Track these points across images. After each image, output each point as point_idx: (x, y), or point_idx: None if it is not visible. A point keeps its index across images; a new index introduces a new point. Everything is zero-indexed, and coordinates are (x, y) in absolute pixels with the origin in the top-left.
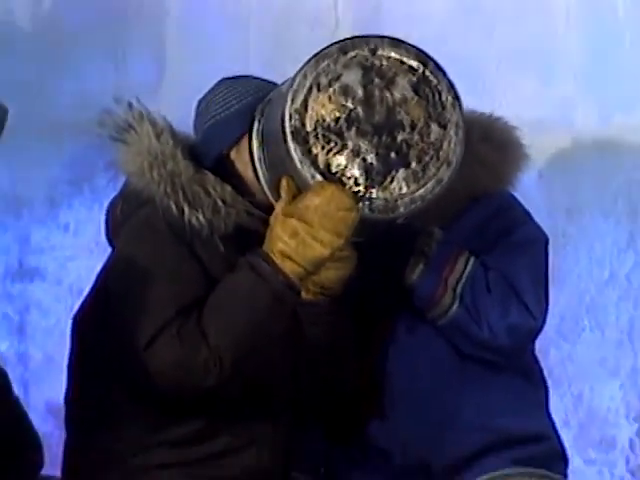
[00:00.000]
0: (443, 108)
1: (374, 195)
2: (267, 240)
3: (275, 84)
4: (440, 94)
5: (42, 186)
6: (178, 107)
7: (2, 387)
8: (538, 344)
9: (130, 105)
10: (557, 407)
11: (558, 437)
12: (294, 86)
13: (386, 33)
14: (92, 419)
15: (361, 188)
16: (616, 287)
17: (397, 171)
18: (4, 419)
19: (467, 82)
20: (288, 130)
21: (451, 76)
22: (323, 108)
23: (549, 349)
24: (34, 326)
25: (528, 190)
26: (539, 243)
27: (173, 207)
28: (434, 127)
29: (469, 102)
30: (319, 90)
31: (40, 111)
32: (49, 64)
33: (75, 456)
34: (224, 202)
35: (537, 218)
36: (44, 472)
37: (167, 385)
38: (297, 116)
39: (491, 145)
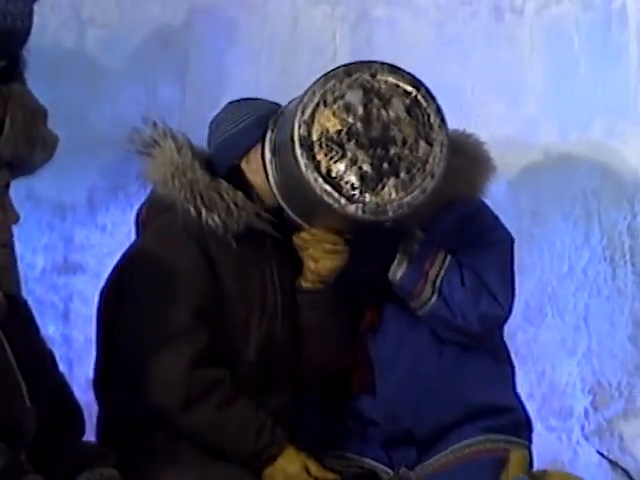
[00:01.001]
0: (431, 128)
1: (367, 199)
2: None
3: (276, 104)
4: (429, 116)
5: (83, 193)
6: (198, 125)
7: (50, 364)
8: (507, 328)
9: (155, 124)
10: (523, 382)
11: (524, 409)
12: (304, 101)
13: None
14: (116, 386)
15: (356, 192)
16: (574, 279)
17: (388, 180)
18: (51, 390)
19: (446, 103)
20: (297, 138)
21: None
22: (328, 121)
23: (516, 332)
24: (76, 313)
25: (499, 197)
26: (506, 244)
27: (192, 210)
28: (422, 144)
29: (448, 120)
30: (325, 106)
31: (82, 129)
32: (91, 89)
33: (105, 422)
34: (236, 205)
35: (506, 220)
36: (85, 438)
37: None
38: (305, 127)
39: (465, 158)
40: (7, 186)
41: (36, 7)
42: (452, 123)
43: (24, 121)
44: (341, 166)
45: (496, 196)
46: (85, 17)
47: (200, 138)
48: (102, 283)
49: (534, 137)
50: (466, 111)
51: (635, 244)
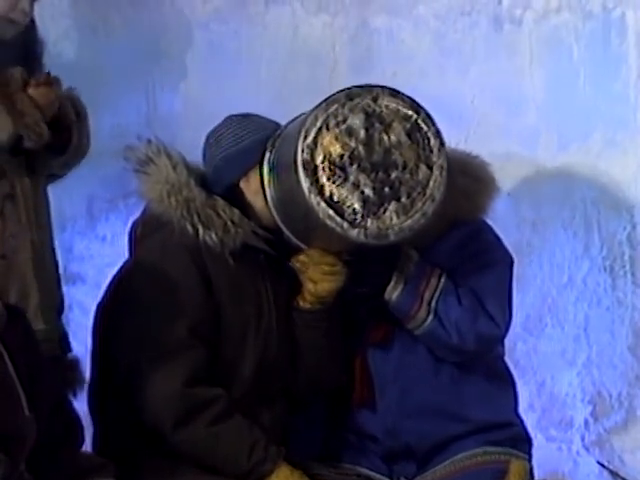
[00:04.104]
0: (431, 152)
1: (369, 223)
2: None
3: (276, 123)
4: (429, 140)
5: (83, 203)
6: (199, 135)
7: (50, 375)
8: (507, 339)
9: (149, 141)
10: (523, 393)
11: (524, 426)
12: (306, 125)
13: (376, 72)
14: (111, 401)
15: (358, 217)
16: (574, 289)
17: (389, 204)
18: (51, 400)
19: (445, 114)
20: (300, 163)
21: (432, 108)
22: (331, 146)
23: (517, 343)
24: (77, 323)
25: (499, 207)
26: (505, 264)
27: (189, 228)
28: (422, 168)
29: (447, 131)
30: (328, 130)
31: None
32: (90, 99)
33: (100, 435)
34: (233, 223)
35: (506, 231)
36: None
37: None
38: (308, 151)
39: (470, 178)
40: (7, 197)
41: (37, 16)
42: (451, 134)
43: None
44: (344, 190)
45: (496, 206)
46: (85, 27)
47: (200, 146)
48: (101, 293)
49: (534, 147)
50: (465, 121)
51: (635, 254)
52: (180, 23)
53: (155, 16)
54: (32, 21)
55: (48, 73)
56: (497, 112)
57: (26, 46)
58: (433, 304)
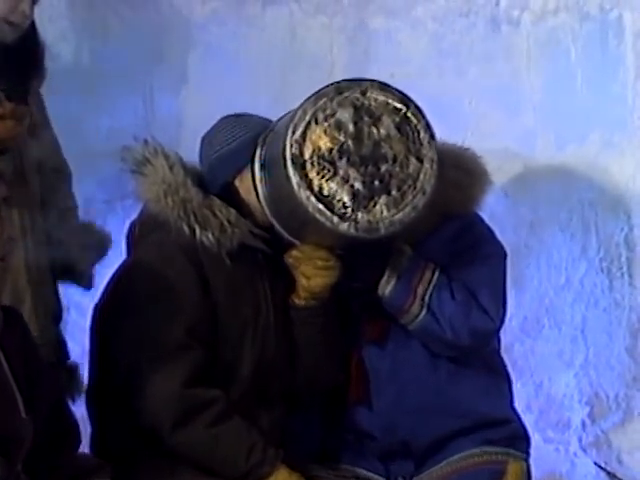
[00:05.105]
0: (421, 145)
1: (359, 217)
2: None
3: (270, 122)
4: (419, 132)
5: (81, 204)
6: (196, 137)
7: (47, 377)
8: (504, 340)
9: (146, 141)
10: (520, 394)
11: (521, 422)
12: (295, 119)
13: (374, 73)
14: (110, 402)
15: (348, 210)
16: (571, 291)
17: (379, 197)
18: (48, 402)
19: (443, 115)
20: (288, 157)
21: (430, 110)
22: (319, 140)
23: (514, 344)
24: (74, 324)
25: (496, 208)
26: (499, 257)
27: (186, 228)
28: (413, 161)
29: (445, 132)
30: (316, 124)
31: (80, 142)
32: (88, 101)
33: (98, 436)
34: (230, 223)
35: (504, 232)
36: (81, 450)
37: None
38: (297, 146)
39: (462, 171)
40: (5, 200)
41: (35, 18)
42: (449, 135)
43: None
44: (333, 184)
45: (494, 208)
46: (83, 28)
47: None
48: (99, 295)
49: (531, 149)
50: (463, 123)
51: (632, 256)
52: (178, 25)
53: (153, 17)
54: (32, 24)
55: (24, 103)
56: (495, 113)
57: (27, 50)
58: (426, 299)
